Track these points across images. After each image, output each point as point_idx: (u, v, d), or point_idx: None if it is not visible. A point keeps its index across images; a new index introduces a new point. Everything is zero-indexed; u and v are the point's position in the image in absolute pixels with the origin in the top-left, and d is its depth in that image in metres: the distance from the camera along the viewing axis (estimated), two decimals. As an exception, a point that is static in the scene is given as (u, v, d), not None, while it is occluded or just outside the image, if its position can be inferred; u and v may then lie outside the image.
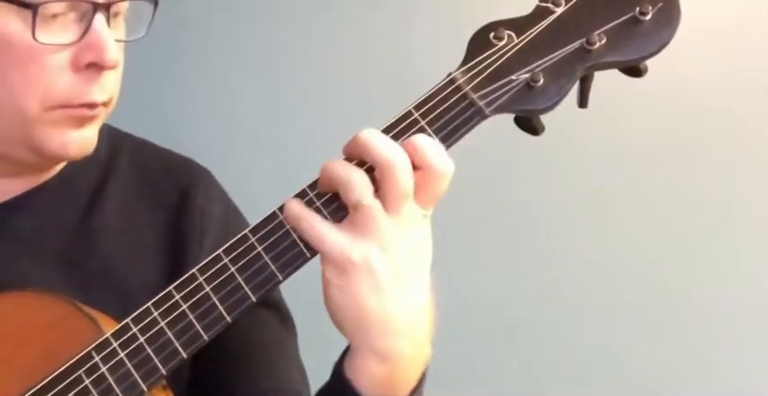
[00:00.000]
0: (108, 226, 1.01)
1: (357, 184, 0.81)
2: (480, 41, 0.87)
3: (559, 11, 0.87)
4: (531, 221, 1.85)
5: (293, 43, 1.91)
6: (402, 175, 0.81)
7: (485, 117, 0.85)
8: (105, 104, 0.94)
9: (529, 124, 0.89)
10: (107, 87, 0.93)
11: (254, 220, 0.87)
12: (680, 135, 1.83)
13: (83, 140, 0.94)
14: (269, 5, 1.91)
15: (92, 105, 0.92)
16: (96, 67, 0.91)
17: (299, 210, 0.83)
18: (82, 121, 0.93)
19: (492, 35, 0.87)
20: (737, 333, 1.82)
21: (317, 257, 0.84)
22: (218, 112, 1.92)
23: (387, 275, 0.81)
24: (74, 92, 0.91)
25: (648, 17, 0.86)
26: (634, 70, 0.90)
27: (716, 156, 1.83)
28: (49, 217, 1.00)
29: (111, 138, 1.07)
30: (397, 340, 0.83)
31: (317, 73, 1.90)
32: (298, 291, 0.98)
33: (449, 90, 0.85)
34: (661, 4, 0.86)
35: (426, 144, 0.82)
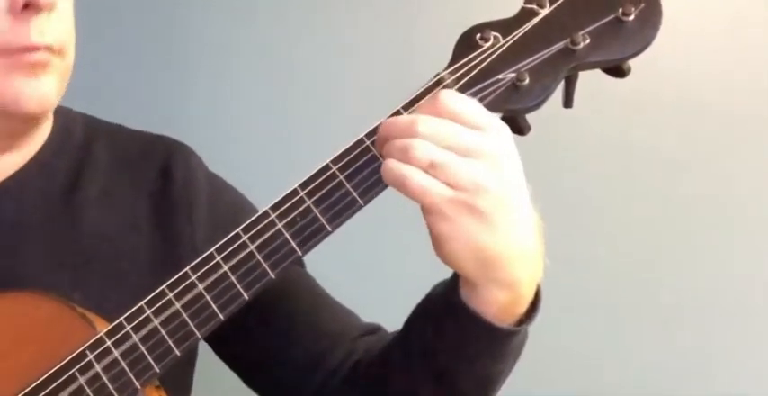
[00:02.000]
0: (91, 205, 1.02)
1: (417, 146, 0.81)
2: (467, 43, 0.88)
3: (544, 12, 0.89)
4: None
5: (293, 42, 1.90)
6: (440, 127, 0.81)
7: None
8: (55, 52, 0.94)
9: (515, 124, 0.90)
10: (48, 30, 0.93)
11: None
12: (679, 134, 1.83)
13: (38, 92, 0.94)
14: (269, 4, 1.92)
15: (32, 48, 0.92)
16: (32, 7, 0.91)
17: (402, 167, 0.81)
18: (30, 69, 0.93)
19: (478, 36, 0.88)
20: (737, 333, 1.82)
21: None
22: (217, 111, 1.91)
23: (492, 211, 0.81)
24: (13, 36, 0.91)
25: (631, 18, 0.87)
26: (617, 70, 0.91)
27: (715, 155, 1.83)
28: (31, 199, 1.01)
29: (86, 124, 1.09)
30: (516, 266, 0.84)
31: (317, 71, 1.90)
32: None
33: (437, 90, 0.86)
34: (643, 6, 0.88)
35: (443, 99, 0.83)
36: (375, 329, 1.07)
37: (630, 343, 1.84)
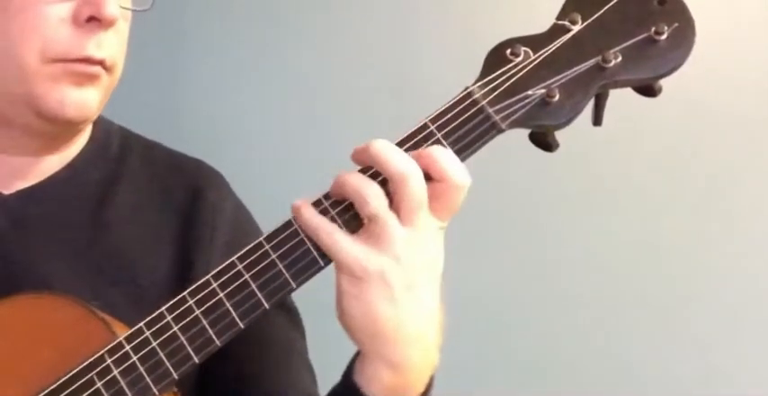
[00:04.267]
0: (119, 219, 1.03)
1: (372, 196, 0.82)
2: (497, 57, 0.88)
3: (576, 29, 0.88)
4: (530, 222, 1.83)
5: (294, 44, 1.91)
6: (416, 188, 0.82)
7: (500, 131, 0.86)
8: (106, 68, 0.96)
9: (543, 140, 0.90)
10: (105, 45, 0.95)
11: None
12: (680, 134, 1.83)
13: (81, 101, 0.96)
14: (271, 6, 1.92)
15: (89, 60, 0.95)
16: (95, 22, 0.94)
17: (315, 219, 0.84)
18: (80, 79, 0.95)
19: (509, 51, 0.88)
20: (738, 334, 1.81)
21: (331, 266, 0.85)
22: (218, 114, 1.91)
23: (401, 287, 0.82)
24: (72, 45, 0.94)
25: (664, 37, 0.87)
26: (648, 90, 0.91)
27: (716, 156, 1.83)
28: (61, 207, 1.02)
29: (123, 137, 1.10)
30: (407, 349, 0.84)
31: (317, 74, 1.90)
32: (306, 294, 0.99)
33: (465, 103, 0.86)
34: (677, 25, 0.87)
35: (445, 156, 0.83)
36: None
37: (631, 343, 1.83)
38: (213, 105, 1.92)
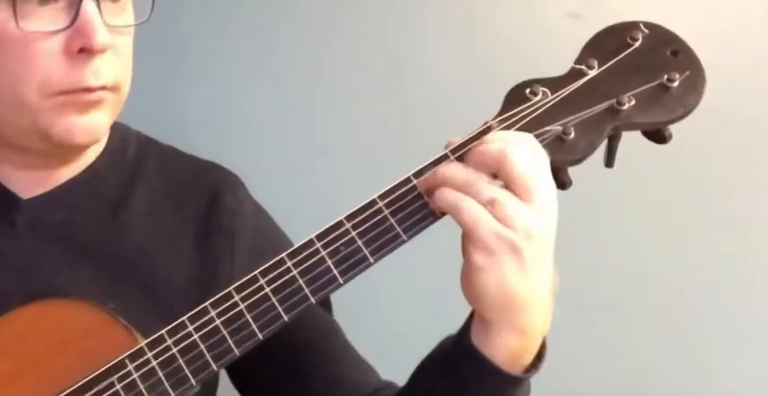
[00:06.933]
0: (136, 223, 1.06)
1: (480, 183, 0.86)
2: (517, 95, 0.93)
3: (592, 73, 0.93)
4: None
5: (297, 44, 1.91)
6: (518, 162, 0.85)
7: None
8: (109, 89, 0.97)
9: (557, 177, 0.93)
10: (103, 72, 0.95)
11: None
12: (681, 135, 1.82)
13: (88, 126, 0.97)
14: (273, 6, 1.92)
15: (89, 89, 0.95)
16: (87, 51, 0.94)
17: (456, 195, 0.86)
18: (84, 107, 0.96)
19: (528, 91, 0.93)
20: (737, 334, 1.80)
21: (346, 285, 0.89)
22: (221, 114, 1.92)
23: (532, 260, 0.85)
24: (69, 78, 0.94)
25: (676, 84, 0.92)
26: (659, 136, 0.95)
27: (716, 156, 1.82)
28: (79, 211, 1.05)
29: (141, 142, 1.13)
30: (534, 315, 0.88)
31: (320, 74, 1.89)
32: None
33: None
34: (688, 73, 0.92)
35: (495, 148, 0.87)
36: (389, 385, 1.09)
37: (631, 343, 1.82)
38: (214, 106, 1.91)
